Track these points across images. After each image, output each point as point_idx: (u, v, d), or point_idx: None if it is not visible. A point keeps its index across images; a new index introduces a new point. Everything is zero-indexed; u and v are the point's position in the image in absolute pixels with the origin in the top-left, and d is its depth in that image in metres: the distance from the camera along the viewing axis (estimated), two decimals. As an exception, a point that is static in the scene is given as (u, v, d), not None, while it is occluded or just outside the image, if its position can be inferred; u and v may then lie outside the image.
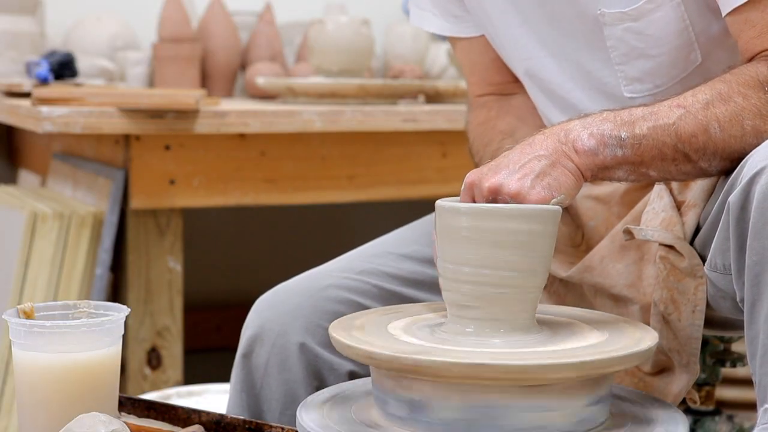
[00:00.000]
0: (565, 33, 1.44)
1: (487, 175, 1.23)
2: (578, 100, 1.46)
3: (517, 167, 1.22)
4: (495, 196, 1.22)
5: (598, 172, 1.26)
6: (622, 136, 1.25)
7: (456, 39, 1.61)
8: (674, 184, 1.39)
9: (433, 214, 1.35)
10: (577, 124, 1.26)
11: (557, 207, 1.21)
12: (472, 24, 1.56)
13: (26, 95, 2.43)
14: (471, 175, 1.24)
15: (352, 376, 1.45)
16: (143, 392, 2.22)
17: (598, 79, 1.44)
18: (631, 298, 1.38)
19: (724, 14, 1.32)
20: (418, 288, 1.50)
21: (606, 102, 1.42)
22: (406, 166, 2.45)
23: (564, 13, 1.43)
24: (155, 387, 2.26)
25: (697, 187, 1.35)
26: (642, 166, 1.26)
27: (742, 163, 1.23)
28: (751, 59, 1.31)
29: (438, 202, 1.22)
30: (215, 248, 3.24)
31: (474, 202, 1.23)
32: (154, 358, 2.28)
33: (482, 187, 1.22)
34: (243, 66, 2.86)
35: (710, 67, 1.38)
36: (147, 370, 2.28)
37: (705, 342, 1.73)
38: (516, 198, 1.21)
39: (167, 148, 2.23)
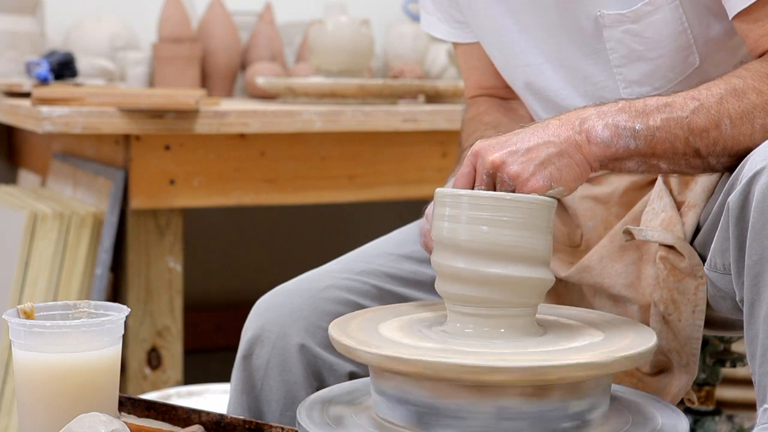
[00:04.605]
0: (562, 38, 1.44)
1: (493, 148, 1.22)
2: (575, 108, 1.46)
3: (524, 148, 1.22)
4: (495, 171, 1.21)
5: (608, 163, 1.25)
6: (637, 127, 1.24)
7: (457, 44, 1.62)
8: (674, 184, 1.39)
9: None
10: (593, 113, 1.25)
11: (551, 199, 1.20)
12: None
13: (26, 95, 2.43)
14: (479, 143, 1.23)
15: (352, 376, 1.45)
16: (143, 392, 2.22)
17: (595, 83, 1.44)
18: (630, 298, 1.38)
19: (731, 17, 1.32)
20: (418, 288, 1.50)
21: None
22: (406, 166, 2.45)
23: (561, 18, 1.43)
24: (155, 387, 2.26)
25: (697, 187, 1.35)
26: (653, 158, 1.25)
27: (742, 162, 1.23)
28: (759, 57, 1.31)
29: (438, 190, 1.22)
30: (215, 248, 3.24)
31: (475, 170, 1.23)
32: (154, 358, 2.28)
33: (485, 158, 1.22)
34: (243, 66, 2.86)
35: (708, 69, 1.38)
36: (147, 370, 2.28)
37: (705, 342, 1.72)
38: (514, 180, 1.20)
39: (167, 148, 2.23)
